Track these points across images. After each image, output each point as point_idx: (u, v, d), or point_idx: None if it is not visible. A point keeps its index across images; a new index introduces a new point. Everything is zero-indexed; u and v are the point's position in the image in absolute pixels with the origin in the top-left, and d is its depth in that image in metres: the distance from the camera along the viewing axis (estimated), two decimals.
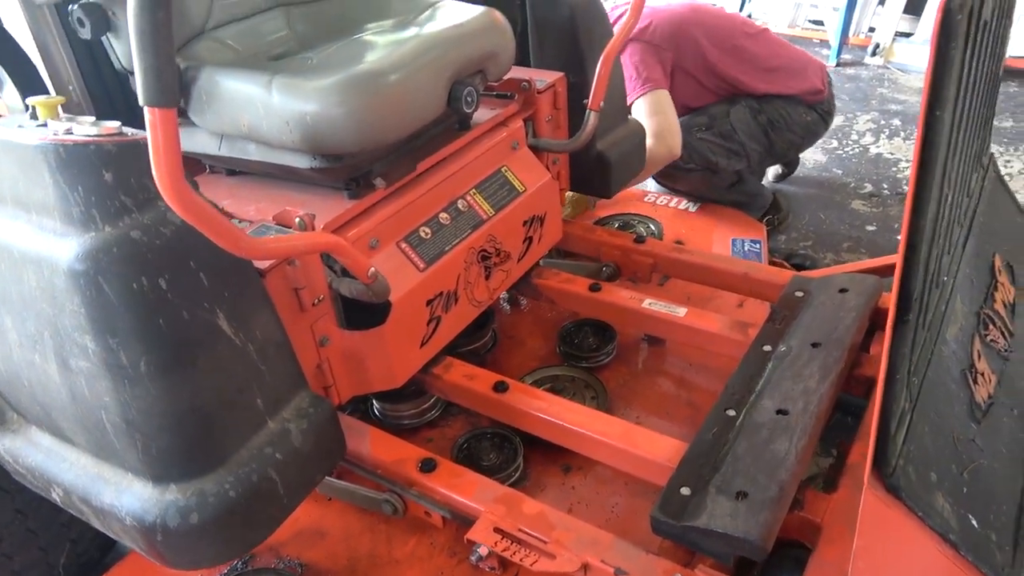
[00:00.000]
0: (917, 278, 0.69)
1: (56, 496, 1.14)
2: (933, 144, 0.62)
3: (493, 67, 1.46)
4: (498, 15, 1.48)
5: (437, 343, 1.47)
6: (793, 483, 1.12)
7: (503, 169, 1.61)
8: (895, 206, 3.01)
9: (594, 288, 1.69)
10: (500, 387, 1.43)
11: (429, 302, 1.42)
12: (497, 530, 1.20)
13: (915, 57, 4.11)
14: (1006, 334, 1.05)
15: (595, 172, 1.88)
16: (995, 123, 3.71)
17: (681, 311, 1.59)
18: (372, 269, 1.16)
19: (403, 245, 1.39)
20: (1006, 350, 1.03)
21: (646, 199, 2.53)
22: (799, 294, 1.54)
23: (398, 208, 1.38)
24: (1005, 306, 1.09)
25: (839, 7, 4.49)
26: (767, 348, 1.40)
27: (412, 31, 1.41)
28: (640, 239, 1.85)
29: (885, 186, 3.14)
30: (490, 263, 1.56)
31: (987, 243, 1.13)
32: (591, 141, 1.84)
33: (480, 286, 1.55)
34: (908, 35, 4.29)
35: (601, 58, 1.61)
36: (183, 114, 1.37)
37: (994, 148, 3.50)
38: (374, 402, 1.67)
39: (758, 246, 2.26)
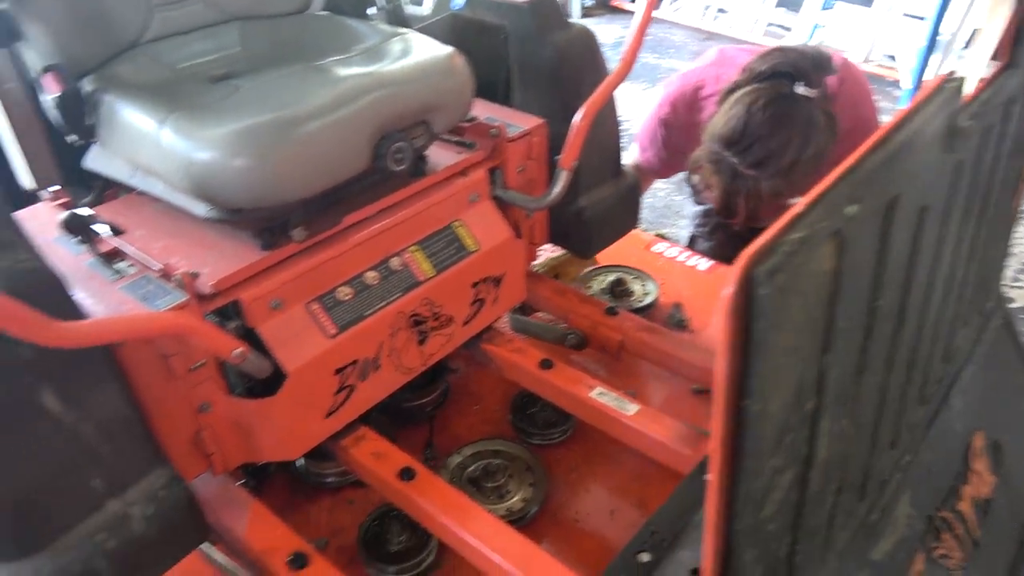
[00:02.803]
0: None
1: None
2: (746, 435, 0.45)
3: (440, 118, 1.30)
4: (458, 59, 1.32)
5: (348, 413, 1.33)
6: None
7: (455, 224, 1.44)
8: None
9: (545, 365, 1.51)
10: (406, 474, 1.28)
11: (339, 370, 1.28)
12: None
13: None
14: (966, 543, 0.84)
15: (573, 229, 1.70)
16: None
17: (632, 408, 1.40)
18: (238, 350, 1.02)
19: (314, 306, 1.24)
20: (961, 567, 0.82)
21: (653, 248, 2.31)
22: None
23: (315, 264, 1.24)
24: (975, 504, 0.88)
25: (920, 44, 4.13)
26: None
27: (352, 70, 1.25)
28: (612, 311, 1.66)
29: None
30: (425, 328, 1.41)
31: (966, 419, 0.92)
32: (573, 194, 1.66)
33: (411, 352, 1.40)
34: None
35: (581, 111, 1.43)
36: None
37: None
38: None
39: None
